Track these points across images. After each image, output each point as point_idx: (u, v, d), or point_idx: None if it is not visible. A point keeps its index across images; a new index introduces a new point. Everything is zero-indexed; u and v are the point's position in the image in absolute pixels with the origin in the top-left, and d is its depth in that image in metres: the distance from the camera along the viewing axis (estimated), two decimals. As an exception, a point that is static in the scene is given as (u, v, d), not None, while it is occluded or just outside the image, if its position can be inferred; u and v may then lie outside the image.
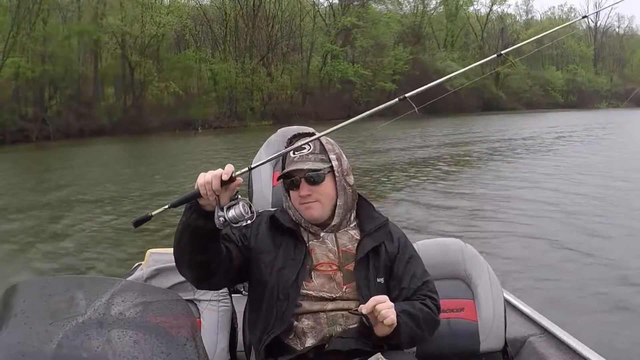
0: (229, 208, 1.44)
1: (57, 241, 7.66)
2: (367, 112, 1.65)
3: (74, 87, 31.43)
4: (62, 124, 28.07)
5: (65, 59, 30.15)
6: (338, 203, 1.72)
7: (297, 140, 1.76)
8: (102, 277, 1.37)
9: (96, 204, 10.39)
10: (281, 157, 1.76)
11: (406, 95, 1.58)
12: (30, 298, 1.19)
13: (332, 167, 1.71)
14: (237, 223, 1.44)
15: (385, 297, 1.55)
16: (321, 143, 1.74)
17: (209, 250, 1.54)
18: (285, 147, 1.76)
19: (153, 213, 1.44)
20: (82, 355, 1.08)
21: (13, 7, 28.10)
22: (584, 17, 2.19)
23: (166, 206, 1.45)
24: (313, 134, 1.77)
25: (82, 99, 31.22)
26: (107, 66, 33.83)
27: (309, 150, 1.71)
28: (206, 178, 1.41)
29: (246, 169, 1.48)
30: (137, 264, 2.31)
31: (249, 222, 1.45)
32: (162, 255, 2.16)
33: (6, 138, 25.70)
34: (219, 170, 1.43)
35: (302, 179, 1.68)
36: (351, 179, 1.75)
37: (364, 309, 1.52)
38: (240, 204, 1.44)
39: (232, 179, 1.42)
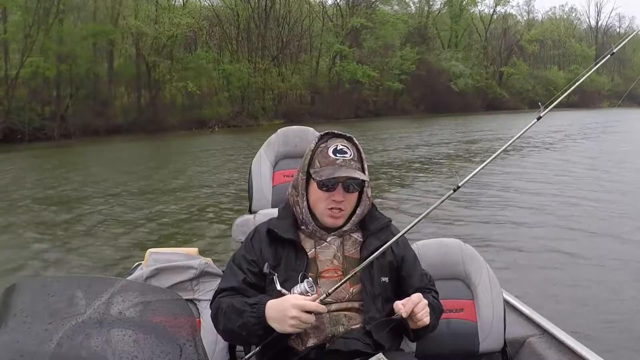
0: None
1: (79, 235, 7.67)
2: (513, 139, 1.89)
3: (90, 86, 31.53)
4: (80, 123, 28.09)
5: (82, 59, 30.20)
6: (357, 212, 1.71)
7: (328, 138, 1.71)
8: (102, 276, 1.37)
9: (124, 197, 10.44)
10: (310, 154, 1.70)
11: (540, 115, 1.86)
12: (30, 297, 1.19)
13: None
14: None
15: (419, 297, 1.58)
16: (358, 149, 1.70)
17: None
18: (315, 144, 1.70)
19: None
20: (81, 355, 1.07)
21: (31, 9, 28.10)
22: (612, 54, 2.10)
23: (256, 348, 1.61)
24: (350, 138, 1.71)
25: (98, 98, 31.33)
26: (122, 66, 33.86)
27: (350, 155, 1.67)
28: (306, 320, 1.50)
29: (324, 295, 1.57)
30: (137, 263, 2.32)
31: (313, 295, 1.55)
32: (161, 255, 2.16)
33: (25, 136, 25.75)
34: (310, 306, 1.50)
35: (340, 184, 1.65)
36: (369, 191, 1.75)
37: (404, 312, 1.55)
38: (305, 283, 1.56)
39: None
